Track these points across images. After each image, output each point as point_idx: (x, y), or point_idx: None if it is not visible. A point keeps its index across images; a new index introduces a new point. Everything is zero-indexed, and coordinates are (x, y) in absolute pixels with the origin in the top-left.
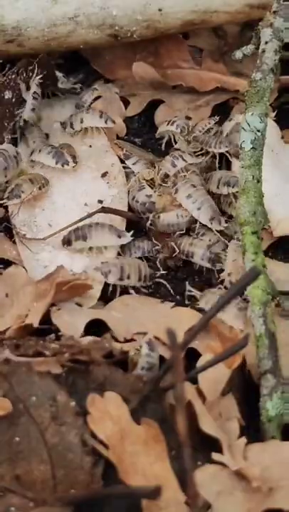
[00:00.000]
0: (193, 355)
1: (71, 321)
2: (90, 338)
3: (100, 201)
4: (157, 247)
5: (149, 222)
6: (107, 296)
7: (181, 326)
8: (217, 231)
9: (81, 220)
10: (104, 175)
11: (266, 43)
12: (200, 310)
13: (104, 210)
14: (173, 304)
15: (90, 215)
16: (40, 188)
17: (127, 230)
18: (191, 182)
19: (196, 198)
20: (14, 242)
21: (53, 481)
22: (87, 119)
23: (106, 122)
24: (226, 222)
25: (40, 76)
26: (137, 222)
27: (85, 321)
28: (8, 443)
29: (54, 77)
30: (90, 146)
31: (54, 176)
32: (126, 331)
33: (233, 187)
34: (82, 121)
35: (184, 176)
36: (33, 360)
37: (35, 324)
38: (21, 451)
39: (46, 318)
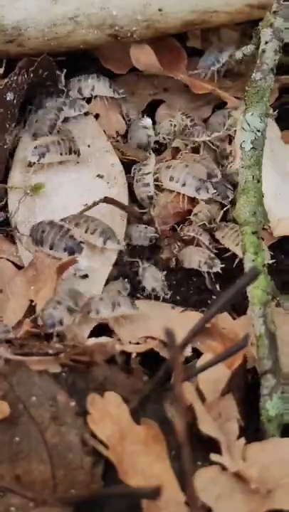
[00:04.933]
0: (194, 355)
1: (77, 326)
2: (94, 340)
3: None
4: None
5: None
6: None
7: (187, 330)
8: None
9: (85, 210)
10: (100, 176)
11: (266, 43)
12: None
13: (106, 200)
14: (182, 308)
15: (92, 206)
16: (70, 153)
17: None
18: (166, 165)
19: (177, 176)
20: (14, 242)
21: (53, 481)
22: (99, 87)
23: (114, 93)
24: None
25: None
26: (139, 219)
27: (91, 326)
28: (8, 443)
29: (55, 77)
30: (90, 146)
31: (54, 175)
32: (132, 335)
33: None
34: (93, 89)
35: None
36: (31, 359)
37: None
38: (21, 451)
39: None
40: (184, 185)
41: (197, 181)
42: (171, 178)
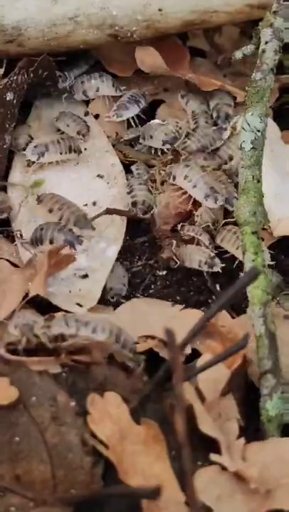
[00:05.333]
0: (195, 355)
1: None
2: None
3: (94, 203)
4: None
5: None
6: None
7: (189, 328)
8: None
9: (92, 219)
10: (100, 176)
11: (266, 43)
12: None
13: (109, 211)
14: (182, 306)
15: (96, 217)
16: (70, 151)
17: (130, 230)
18: (185, 162)
19: (191, 177)
20: (14, 243)
21: (53, 481)
22: (104, 88)
23: (116, 91)
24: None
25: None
26: (139, 222)
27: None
28: (8, 443)
29: (55, 77)
30: (90, 146)
31: (54, 175)
32: (132, 334)
33: None
34: (98, 90)
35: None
36: (31, 359)
37: (42, 293)
38: (21, 451)
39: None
40: (194, 186)
41: (208, 188)
42: (186, 177)
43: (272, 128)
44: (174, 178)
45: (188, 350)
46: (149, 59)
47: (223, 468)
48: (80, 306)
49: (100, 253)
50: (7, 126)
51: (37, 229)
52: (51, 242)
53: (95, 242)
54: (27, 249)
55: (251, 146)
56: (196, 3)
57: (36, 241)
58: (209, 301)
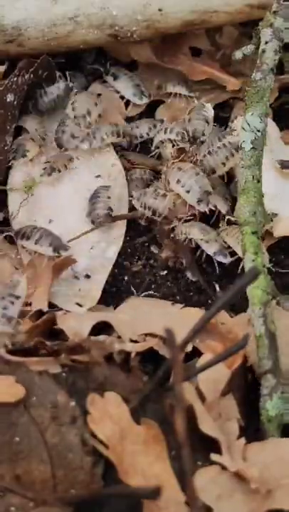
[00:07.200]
0: (195, 354)
1: (77, 325)
2: (92, 338)
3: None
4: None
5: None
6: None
7: (189, 327)
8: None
9: (92, 230)
10: (98, 177)
11: (266, 43)
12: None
13: (114, 218)
14: (182, 305)
15: (95, 228)
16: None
17: (130, 230)
18: (178, 166)
19: (184, 181)
20: (14, 243)
21: (53, 481)
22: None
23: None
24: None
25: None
26: (139, 222)
27: (90, 324)
28: (8, 443)
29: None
30: (90, 145)
31: (54, 176)
32: (132, 333)
33: None
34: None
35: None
36: (31, 360)
37: (45, 308)
38: (21, 451)
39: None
40: (188, 191)
41: (202, 193)
42: (178, 181)
43: (272, 128)
44: (169, 182)
45: (189, 348)
46: (142, 52)
47: (224, 468)
48: (80, 306)
49: (100, 253)
50: (8, 127)
51: (29, 226)
52: (36, 243)
53: (95, 243)
54: (25, 248)
55: (251, 146)
56: (196, 3)
57: (22, 235)
58: (209, 301)
